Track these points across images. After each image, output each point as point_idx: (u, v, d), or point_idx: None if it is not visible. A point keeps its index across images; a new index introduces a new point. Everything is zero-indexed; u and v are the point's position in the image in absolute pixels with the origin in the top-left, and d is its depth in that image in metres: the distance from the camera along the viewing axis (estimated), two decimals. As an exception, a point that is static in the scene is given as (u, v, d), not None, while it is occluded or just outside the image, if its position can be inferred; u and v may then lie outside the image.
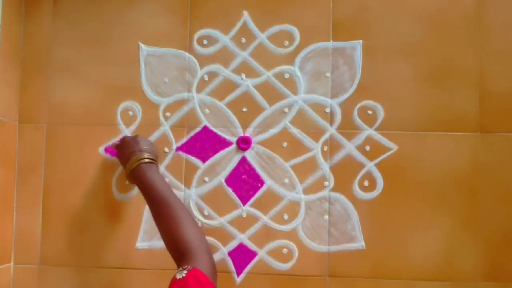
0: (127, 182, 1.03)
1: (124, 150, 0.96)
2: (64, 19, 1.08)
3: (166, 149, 1.05)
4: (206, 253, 0.83)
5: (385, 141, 1.02)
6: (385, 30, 1.04)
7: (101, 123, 1.06)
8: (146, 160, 0.93)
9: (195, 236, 0.84)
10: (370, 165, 1.02)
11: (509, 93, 1.01)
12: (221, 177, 1.05)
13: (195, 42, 1.06)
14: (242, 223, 1.03)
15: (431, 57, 1.03)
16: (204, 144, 1.05)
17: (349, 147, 1.03)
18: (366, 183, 1.02)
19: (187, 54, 1.07)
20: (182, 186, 1.05)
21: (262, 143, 1.04)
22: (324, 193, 1.02)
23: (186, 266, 0.76)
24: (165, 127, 1.06)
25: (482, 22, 1.02)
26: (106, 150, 1.04)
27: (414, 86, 1.02)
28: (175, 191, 1.04)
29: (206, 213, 1.04)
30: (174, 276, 0.74)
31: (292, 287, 1.01)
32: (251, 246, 1.03)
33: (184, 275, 0.74)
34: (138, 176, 0.93)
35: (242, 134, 1.05)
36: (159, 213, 0.89)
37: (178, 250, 0.83)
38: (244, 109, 1.05)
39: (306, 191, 1.03)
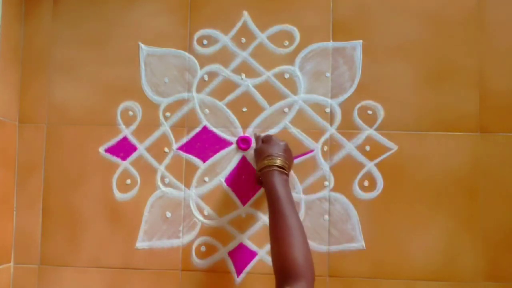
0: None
1: (265, 150, 0.95)
2: (64, 19, 1.09)
3: (166, 149, 1.05)
4: (311, 280, 0.80)
5: (385, 141, 1.02)
6: (385, 30, 1.04)
7: (101, 123, 1.06)
8: (275, 168, 0.92)
9: (305, 259, 0.81)
10: (370, 165, 1.02)
11: (509, 93, 1.01)
12: (221, 177, 1.05)
13: (195, 42, 1.06)
14: (242, 223, 1.03)
15: (431, 57, 1.03)
16: (204, 144, 1.05)
17: (349, 147, 1.03)
18: (366, 183, 1.02)
19: (187, 54, 1.07)
20: (182, 186, 1.05)
21: (262, 143, 1.04)
22: (324, 193, 1.02)
23: None
24: (165, 127, 1.06)
25: (482, 22, 1.02)
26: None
27: (414, 86, 1.02)
28: (175, 191, 1.04)
29: (206, 213, 1.04)
30: None
31: (292, 287, 1.01)
32: (251, 246, 1.03)
33: None
34: (265, 180, 0.92)
35: (242, 134, 1.05)
36: (273, 224, 0.87)
37: (284, 270, 0.80)
38: (244, 109, 1.05)
39: (306, 191, 1.03)
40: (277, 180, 0.90)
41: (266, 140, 0.99)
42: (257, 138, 1.02)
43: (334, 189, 1.02)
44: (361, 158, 1.02)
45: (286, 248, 0.82)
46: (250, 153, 1.04)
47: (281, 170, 0.92)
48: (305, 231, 0.84)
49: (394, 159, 1.02)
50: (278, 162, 0.92)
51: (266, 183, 0.91)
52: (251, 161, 1.04)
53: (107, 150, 1.06)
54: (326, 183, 1.02)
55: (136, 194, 1.05)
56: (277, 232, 0.85)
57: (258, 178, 0.98)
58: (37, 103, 1.07)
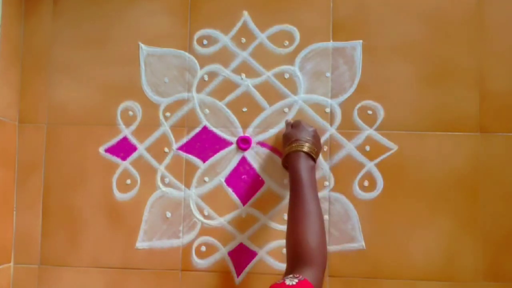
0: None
1: (293, 135, 0.96)
2: (64, 19, 1.09)
3: (166, 149, 1.05)
4: (322, 266, 0.81)
5: (385, 141, 1.02)
6: (385, 30, 1.04)
7: (101, 123, 1.06)
8: (302, 153, 0.92)
9: (318, 245, 0.82)
10: (370, 165, 1.02)
11: (509, 93, 1.01)
12: (221, 177, 1.05)
13: (195, 42, 1.06)
14: (242, 223, 1.03)
15: (431, 57, 1.03)
16: (204, 144, 1.05)
17: (349, 147, 1.03)
18: (366, 183, 1.02)
19: (187, 54, 1.07)
20: (182, 186, 1.05)
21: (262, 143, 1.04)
22: (324, 193, 1.02)
23: (298, 275, 0.75)
24: (165, 127, 1.06)
25: (482, 22, 1.02)
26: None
27: (414, 86, 1.02)
28: (175, 191, 1.04)
29: (206, 213, 1.04)
30: (284, 281, 0.73)
31: (292, 287, 1.01)
32: (251, 246, 1.03)
33: (294, 283, 0.73)
34: (290, 164, 0.93)
35: (242, 134, 1.05)
36: (291, 207, 0.88)
37: (296, 254, 0.81)
38: (244, 109, 1.05)
39: (306, 191, 1.03)
40: (303, 165, 0.90)
41: (295, 126, 0.98)
42: (287, 124, 1.01)
43: (334, 189, 1.02)
44: (361, 158, 1.02)
45: (301, 233, 0.82)
46: (250, 153, 1.04)
47: (308, 155, 0.93)
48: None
49: (394, 159, 1.02)
50: (306, 147, 0.93)
51: (291, 167, 0.92)
52: (251, 161, 1.04)
53: (107, 150, 1.06)
54: (326, 183, 1.02)
55: (136, 194, 1.05)
56: (294, 216, 0.85)
57: (284, 163, 0.97)
58: (37, 103, 1.07)
